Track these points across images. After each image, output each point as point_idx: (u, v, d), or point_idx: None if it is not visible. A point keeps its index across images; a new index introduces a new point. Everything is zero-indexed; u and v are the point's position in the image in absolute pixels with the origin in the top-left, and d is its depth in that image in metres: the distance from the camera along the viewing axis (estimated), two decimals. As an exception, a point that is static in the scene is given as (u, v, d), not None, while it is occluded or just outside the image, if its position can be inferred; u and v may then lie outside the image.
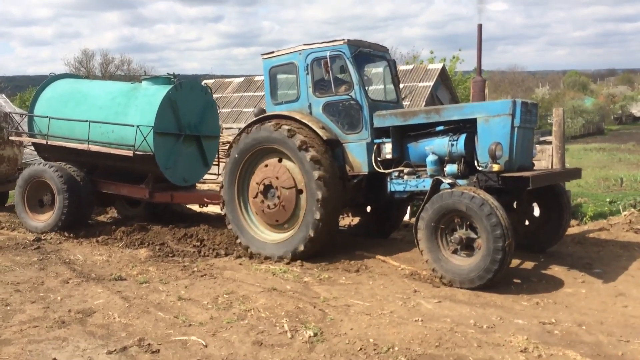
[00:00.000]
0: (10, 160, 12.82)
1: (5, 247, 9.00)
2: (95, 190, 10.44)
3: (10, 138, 12.12)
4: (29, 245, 9.14)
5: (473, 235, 6.49)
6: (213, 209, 11.70)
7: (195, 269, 7.56)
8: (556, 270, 7.21)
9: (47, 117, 10.49)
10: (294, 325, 5.42)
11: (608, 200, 11.51)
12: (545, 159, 11.52)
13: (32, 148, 11.99)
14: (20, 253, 8.66)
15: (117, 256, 8.42)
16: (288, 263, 7.78)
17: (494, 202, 6.29)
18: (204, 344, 5.05)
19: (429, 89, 24.21)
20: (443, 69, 26.16)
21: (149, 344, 5.03)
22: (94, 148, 10.02)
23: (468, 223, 6.50)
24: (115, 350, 4.92)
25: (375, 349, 4.86)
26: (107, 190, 10.53)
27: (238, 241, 8.41)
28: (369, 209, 9.41)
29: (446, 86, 27.06)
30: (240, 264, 7.85)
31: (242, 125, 11.94)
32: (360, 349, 4.89)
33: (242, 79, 26.45)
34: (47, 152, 10.91)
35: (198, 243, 9.06)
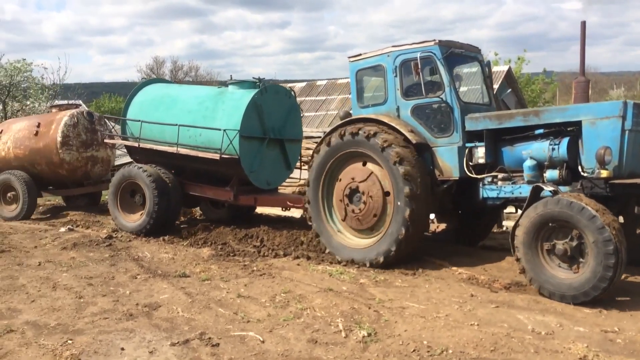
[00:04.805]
0: (103, 161, 13.47)
1: (80, 244, 9.58)
2: (184, 192, 10.67)
3: (105, 141, 12.79)
4: (101, 242, 9.68)
5: (579, 247, 6.07)
6: (273, 210, 11.99)
7: (255, 268, 7.79)
8: (627, 280, 6.91)
9: (139, 120, 10.81)
10: (349, 325, 5.50)
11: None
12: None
13: (124, 150, 12.43)
14: (94, 250, 9.20)
15: (182, 254, 8.79)
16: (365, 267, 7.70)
17: (608, 215, 5.88)
18: (262, 339, 5.22)
19: (494, 92, 23.64)
20: (509, 71, 25.53)
21: (210, 338, 5.25)
22: (183, 151, 10.24)
23: (575, 234, 6.08)
24: (178, 342, 5.16)
25: (428, 351, 4.87)
26: (194, 192, 10.71)
27: (320, 243, 8.41)
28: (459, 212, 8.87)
29: (512, 89, 26.35)
30: (298, 265, 8.02)
31: (303, 129, 12.22)
32: (414, 350, 4.91)
33: (304, 84, 26.83)
34: (138, 154, 11.23)
35: (258, 243, 9.30)
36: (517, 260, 6.45)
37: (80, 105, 15.58)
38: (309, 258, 8.32)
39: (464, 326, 5.43)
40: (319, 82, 25.99)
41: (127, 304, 6.34)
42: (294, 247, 8.87)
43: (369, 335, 5.24)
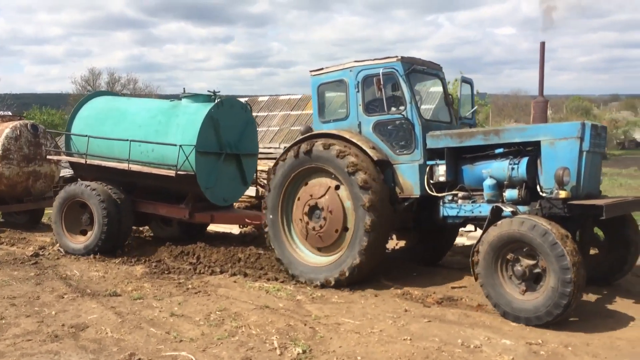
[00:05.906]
0: (47, 177, 12.87)
1: (3, 262, 9.10)
2: (134, 210, 10.19)
3: (48, 157, 12.13)
4: (27, 260, 9.24)
5: (538, 269, 6.05)
6: (212, 227, 11.81)
7: (190, 286, 7.63)
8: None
9: (86, 136, 10.23)
10: (284, 342, 5.47)
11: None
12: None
13: (68, 165, 11.72)
14: (18, 268, 8.76)
15: (114, 272, 8.50)
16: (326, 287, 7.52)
17: (560, 230, 5.91)
18: (194, 359, 5.11)
19: (431, 112, 24.32)
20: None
21: (140, 359, 5.09)
22: (135, 168, 9.73)
23: (534, 255, 6.05)
24: (105, 364, 4.98)
25: (362, 367, 4.92)
26: (146, 210, 10.23)
27: (278, 259, 8.12)
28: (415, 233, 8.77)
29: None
30: (235, 282, 7.92)
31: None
32: (348, 366, 4.94)
33: (245, 99, 26.68)
34: (84, 171, 10.54)
35: (194, 260, 9.13)
36: (477, 252, 6.40)
37: (10, 116, 14.81)
38: (246, 275, 8.24)
39: (397, 341, 5.51)
40: (260, 98, 25.93)
41: (53, 324, 6.06)
42: (231, 264, 8.77)
43: (304, 352, 5.24)
